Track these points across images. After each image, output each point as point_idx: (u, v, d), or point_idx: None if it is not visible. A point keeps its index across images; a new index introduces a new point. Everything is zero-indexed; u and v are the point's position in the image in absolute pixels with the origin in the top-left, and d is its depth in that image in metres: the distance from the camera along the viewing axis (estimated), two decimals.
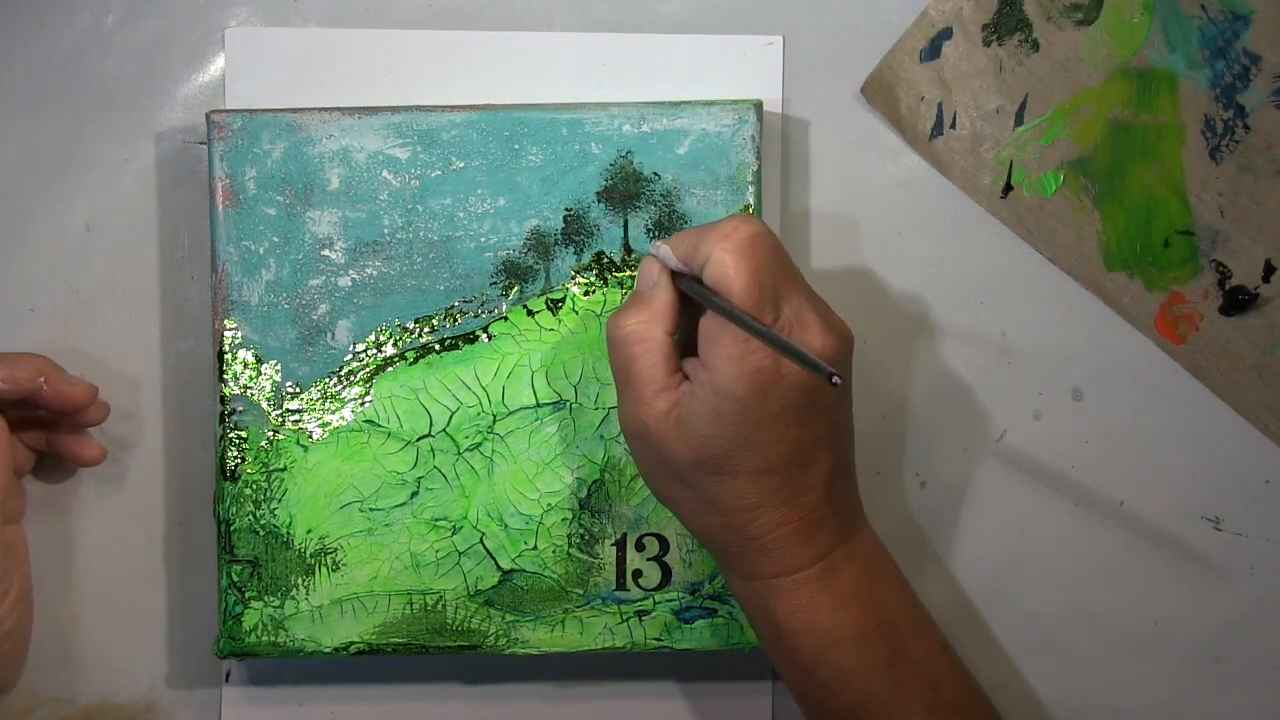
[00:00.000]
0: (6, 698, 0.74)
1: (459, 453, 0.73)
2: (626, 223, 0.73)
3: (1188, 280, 0.75)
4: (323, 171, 0.72)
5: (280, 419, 0.73)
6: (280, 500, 0.73)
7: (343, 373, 0.73)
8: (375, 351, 0.73)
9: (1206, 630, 0.77)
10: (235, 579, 0.73)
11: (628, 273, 0.73)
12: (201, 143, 0.75)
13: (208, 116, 0.72)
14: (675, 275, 0.67)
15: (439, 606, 0.73)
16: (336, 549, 0.73)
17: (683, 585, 0.73)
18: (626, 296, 0.72)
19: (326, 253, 0.73)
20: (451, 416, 0.73)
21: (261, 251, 0.72)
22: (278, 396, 0.73)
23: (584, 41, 0.75)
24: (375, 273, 0.73)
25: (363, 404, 0.73)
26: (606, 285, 0.73)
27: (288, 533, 0.73)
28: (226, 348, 0.72)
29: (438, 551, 0.73)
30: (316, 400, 0.73)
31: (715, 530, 0.67)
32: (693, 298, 0.67)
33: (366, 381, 0.73)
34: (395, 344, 0.73)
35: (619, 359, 0.67)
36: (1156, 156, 0.75)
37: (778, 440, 0.65)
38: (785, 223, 0.75)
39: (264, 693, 0.76)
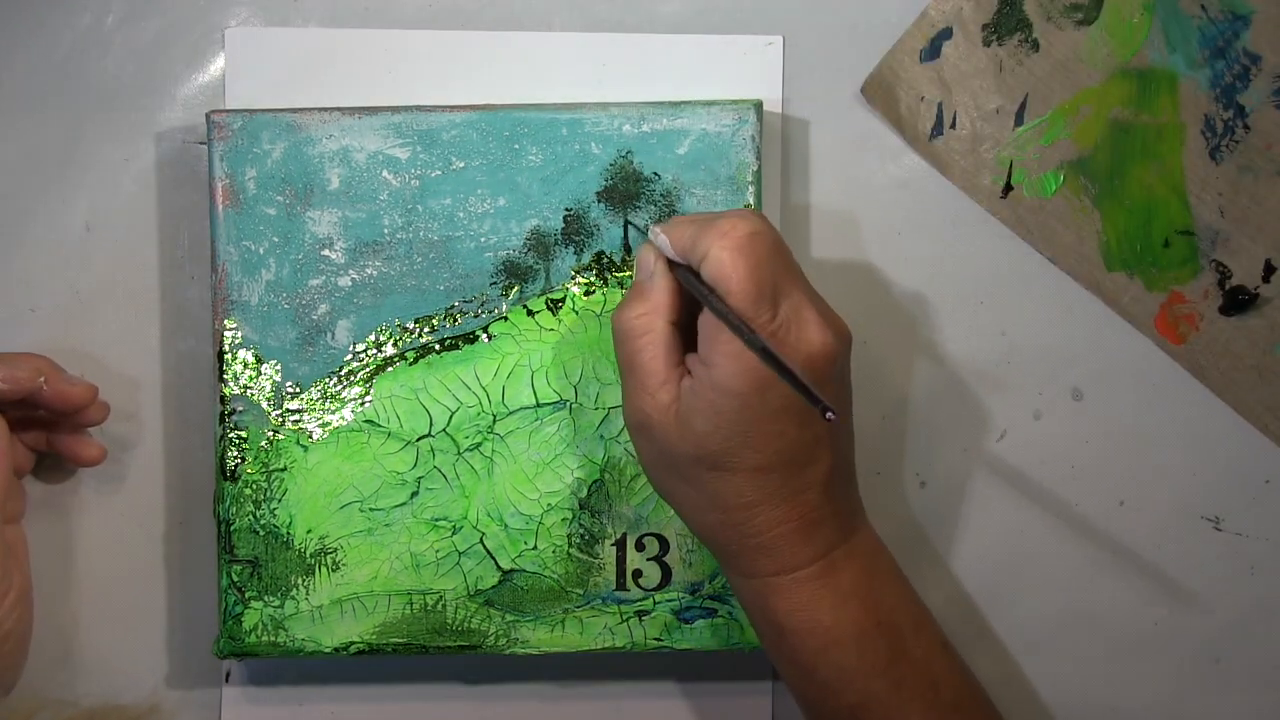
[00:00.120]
0: (9, 699, 0.74)
1: (459, 453, 0.73)
2: (626, 223, 0.73)
3: (1188, 280, 0.75)
4: (323, 171, 0.72)
5: (280, 419, 0.73)
6: (280, 500, 0.73)
7: (343, 373, 0.73)
8: (375, 351, 0.73)
9: (1206, 630, 0.77)
10: (235, 579, 0.73)
11: (627, 273, 0.73)
12: (201, 143, 0.75)
13: (208, 116, 0.72)
14: (673, 265, 0.67)
15: (439, 606, 0.73)
16: (336, 549, 0.73)
17: (683, 585, 0.73)
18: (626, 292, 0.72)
19: (326, 253, 0.73)
20: (451, 416, 0.73)
21: (261, 251, 0.72)
22: (278, 396, 0.73)
23: (584, 41, 0.75)
24: (375, 273, 0.73)
25: (363, 404, 0.73)
26: (606, 285, 0.73)
27: (288, 533, 0.73)
28: (226, 348, 0.72)
29: (438, 551, 0.73)
30: (316, 400, 0.73)
31: (715, 527, 0.67)
32: (689, 290, 0.67)
33: (366, 381, 0.73)
34: (395, 344, 0.73)
35: (623, 352, 0.67)
36: (1156, 156, 0.75)
37: (777, 438, 0.65)
38: (785, 222, 0.75)
39: (264, 693, 0.76)
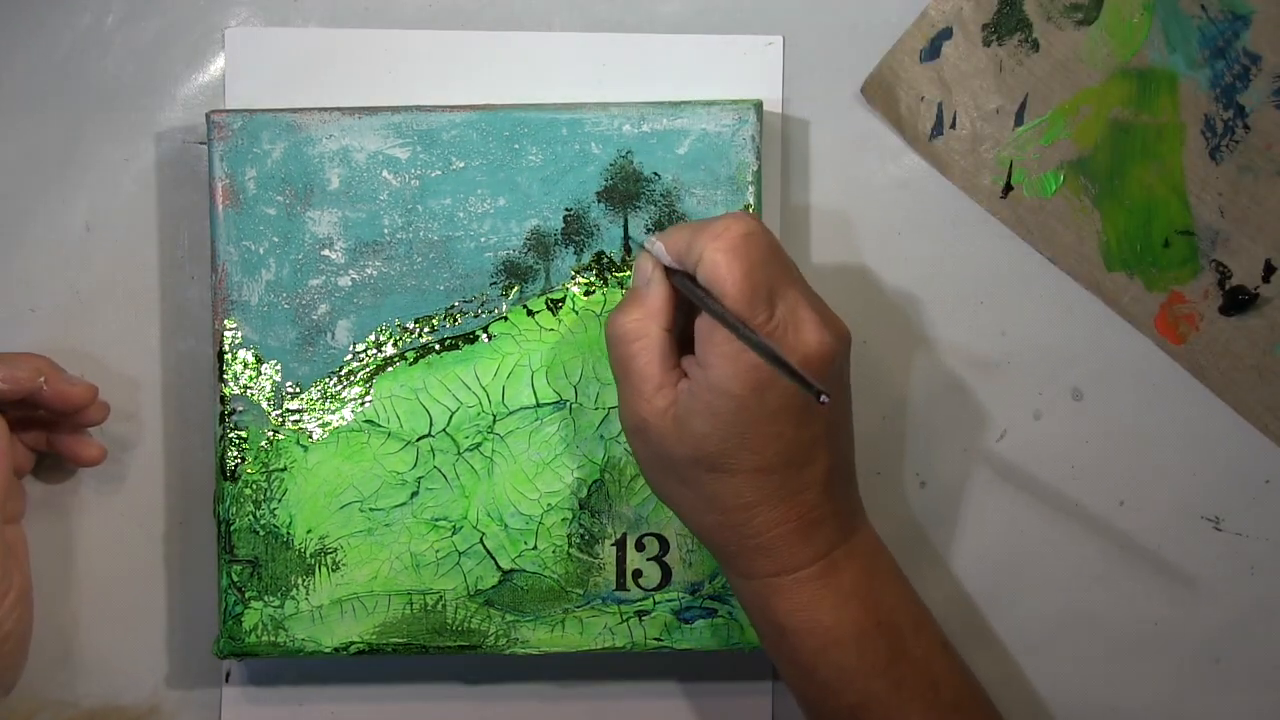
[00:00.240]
0: (9, 700, 0.74)
1: (459, 453, 0.73)
2: (626, 223, 0.73)
3: (1188, 280, 0.75)
4: (323, 171, 0.72)
5: (280, 419, 0.73)
6: (280, 500, 0.73)
7: (343, 373, 0.73)
8: (375, 351, 0.73)
9: (1206, 630, 0.77)
10: (235, 579, 0.73)
11: (627, 273, 0.73)
12: (201, 143, 0.75)
13: (208, 116, 0.72)
14: (669, 272, 0.67)
15: (439, 606, 0.73)
16: (336, 549, 0.73)
17: (683, 585, 0.73)
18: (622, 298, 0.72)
19: (326, 253, 0.73)
20: (451, 416, 0.73)
21: (261, 251, 0.72)
22: (278, 396, 0.73)
23: (584, 41, 0.75)
24: (375, 273, 0.73)
25: (363, 404, 0.73)
26: (606, 285, 0.73)
27: (288, 533, 0.73)
28: (226, 348, 0.72)
29: (438, 551, 0.73)
30: (316, 400, 0.73)
31: (714, 528, 0.67)
32: (686, 295, 0.67)
33: (366, 381, 0.73)
34: (395, 344, 0.73)
35: (618, 356, 0.67)
36: (1156, 156, 0.75)
37: (775, 439, 0.65)
38: (785, 222, 0.75)
39: (264, 693, 0.76)
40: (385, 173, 0.72)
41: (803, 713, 0.70)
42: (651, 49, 0.75)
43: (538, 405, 0.73)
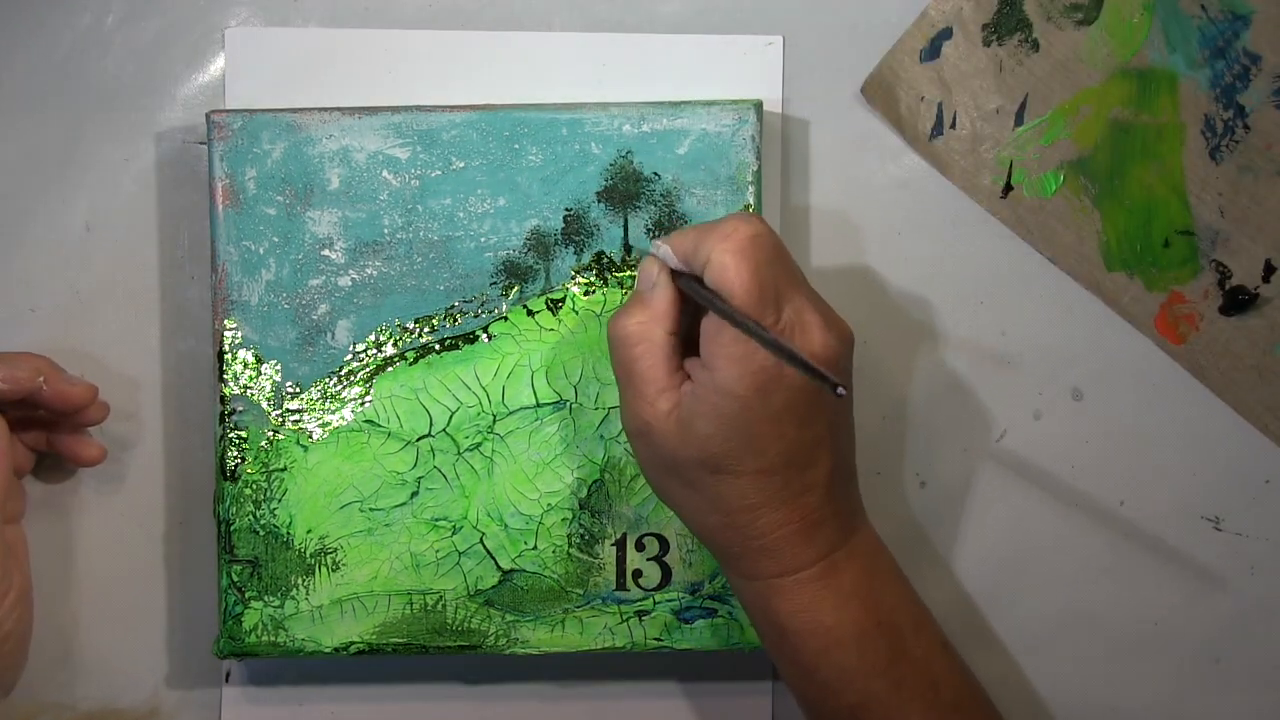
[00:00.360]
0: (8, 701, 0.74)
1: (459, 453, 0.73)
2: (626, 223, 0.73)
3: (1188, 280, 0.75)
4: (323, 171, 0.72)
5: (280, 419, 0.73)
6: (280, 500, 0.73)
7: (343, 373, 0.73)
8: (375, 351, 0.73)
9: (1206, 630, 0.77)
10: (235, 579, 0.73)
11: (628, 272, 0.73)
12: (201, 143, 0.75)
13: (208, 116, 0.72)
14: (675, 275, 0.67)
15: (439, 606, 0.73)
16: (336, 549, 0.73)
17: (683, 585, 0.73)
18: (627, 296, 0.72)
19: (326, 253, 0.73)
20: (451, 416, 0.73)
21: (261, 251, 0.72)
22: (278, 396, 0.73)
23: (584, 41, 0.75)
24: (375, 273, 0.73)
25: (363, 404, 0.73)
26: (606, 285, 0.73)
27: (288, 533, 0.73)
28: (226, 348, 0.72)
29: (438, 551, 0.73)
30: (316, 400, 0.73)
31: (717, 530, 0.67)
32: (693, 297, 0.67)
33: (366, 381, 0.73)
34: (395, 344, 0.73)
35: (620, 359, 0.67)
36: (1156, 156, 0.75)
37: (779, 440, 0.65)
38: (785, 222, 0.75)
39: (264, 693, 0.76)
40: (385, 173, 0.72)
41: (803, 713, 0.70)
42: (651, 49, 0.75)
43: (538, 405, 0.73)
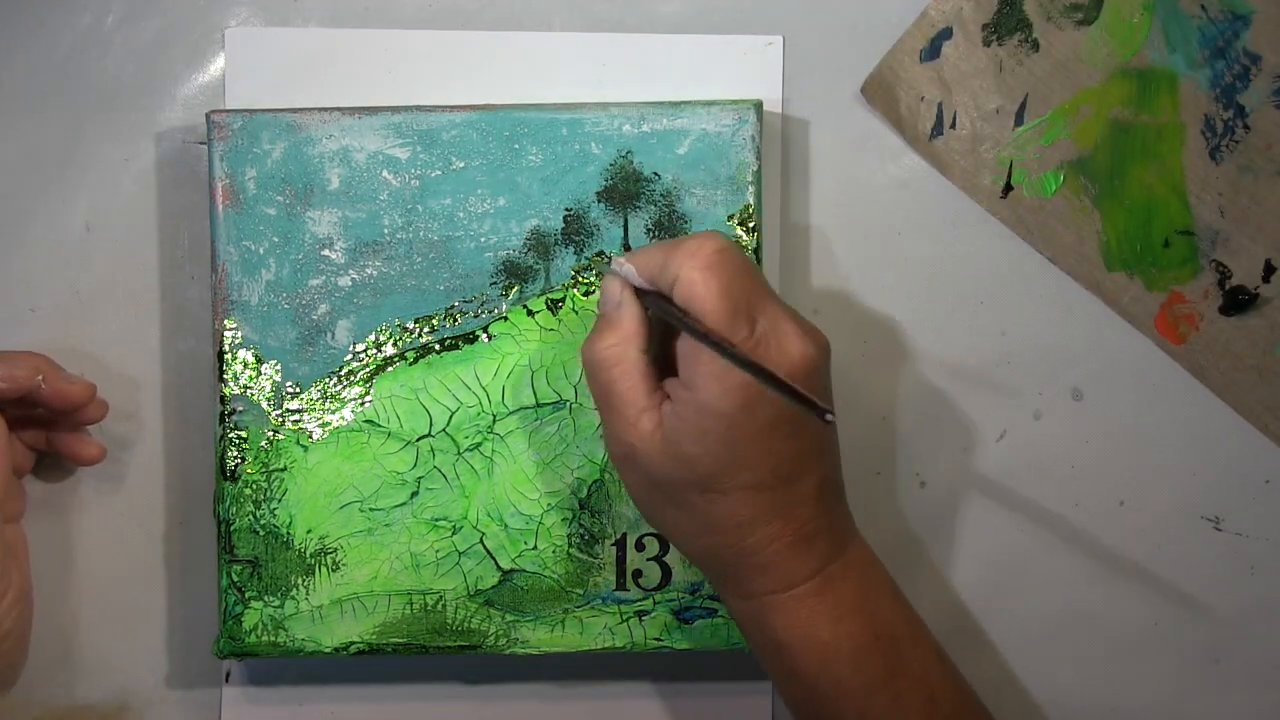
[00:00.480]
0: (7, 698, 0.74)
1: (459, 453, 0.73)
2: (626, 223, 0.73)
3: (1188, 280, 0.75)
4: (323, 171, 0.72)
5: (280, 419, 0.73)
6: (280, 500, 0.73)
7: (343, 373, 0.73)
8: (375, 351, 0.73)
9: (1206, 630, 0.77)
10: (235, 579, 0.73)
11: None
12: (201, 143, 0.75)
13: (208, 116, 0.72)
14: (641, 293, 0.67)
15: (439, 606, 0.73)
16: (336, 549, 0.73)
17: (683, 585, 0.73)
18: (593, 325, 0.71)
19: (326, 253, 0.73)
20: (451, 416, 0.73)
21: (261, 251, 0.72)
22: (278, 396, 0.73)
23: (584, 41, 0.75)
24: (375, 273, 0.73)
25: (363, 404, 0.73)
26: None
27: (288, 533, 0.73)
28: (226, 348, 0.72)
29: (438, 551, 0.73)
30: (316, 400, 0.73)
31: (710, 550, 0.67)
32: (662, 317, 0.66)
33: (366, 381, 0.73)
34: (395, 344, 0.73)
35: (598, 384, 0.67)
36: (1156, 156, 0.75)
37: (767, 454, 0.65)
38: (785, 222, 0.75)
39: (264, 693, 0.76)
40: (385, 173, 0.72)
41: None
42: (651, 49, 0.75)
43: (538, 405, 0.73)
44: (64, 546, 0.75)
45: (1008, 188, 0.75)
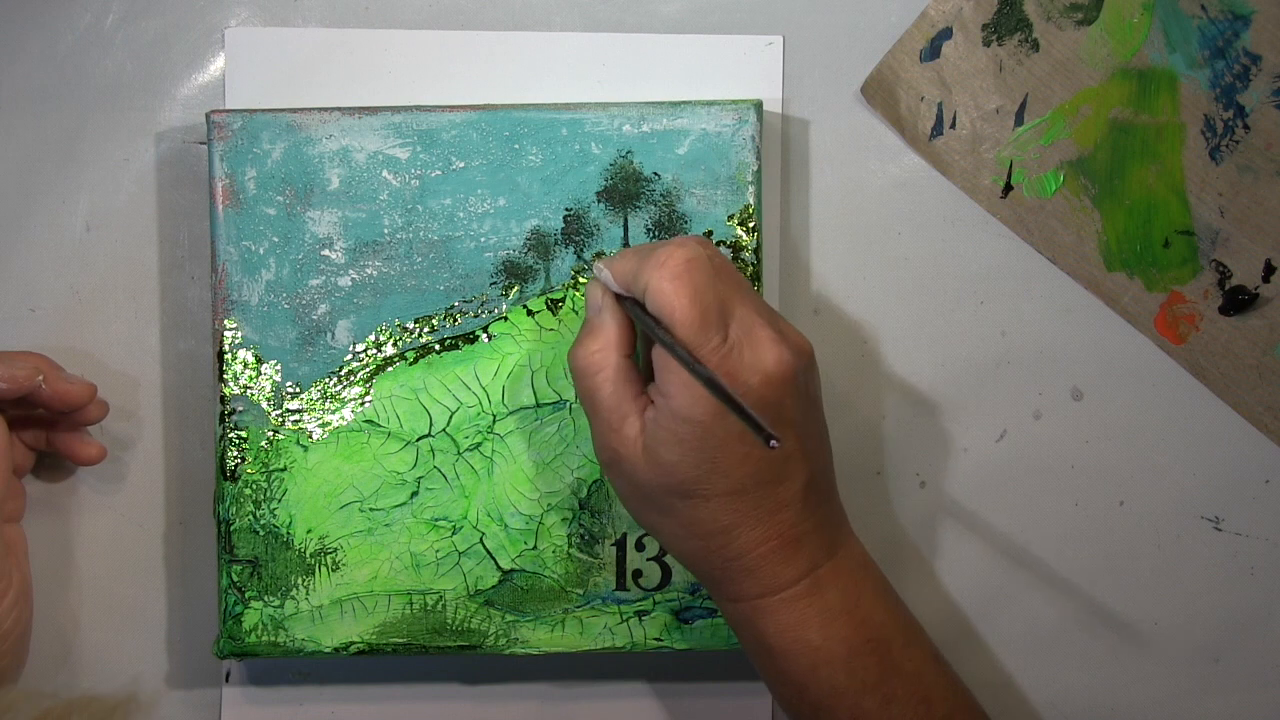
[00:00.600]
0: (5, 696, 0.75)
1: (459, 453, 0.73)
2: (626, 223, 0.73)
3: (1188, 280, 0.75)
4: (323, 171, 0.72)
5: (280, 419, 0.73)
6: (280, 500, 0.73)
7: (343, 373, 0.73)
8: (375, 351, 0.73)
9: (1206, 630, 0.77)
10: (235, 579, 0.73)
11: None
12: (201, 143, 0.75)
13: (208, 116, 0.72)
14: (621, 298, 0.67)
15: (439, 606, 0.73)
16: (336, 549, 0.73)
17: (683, 585, 0.73)
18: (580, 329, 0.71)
19: (326, 253, 0.73)
20: (451, 416, 0.73)
21: (261, 251, 0.72)
22: (278, 396, 0.73)
23: (584, 41, 0.75)
24: (375, 273, 0.73)
25: (363, 404, 0.73)
26: None
27: (288, 533, 0.73)
28: (226, 348, 0.72)
29: (438, 551, 0.73)
30: (316, 400, 0.73)
31: (696, 554, 0.67)
32: (637, 323, 0.66)
33: (366, 381, 0.73)
34: (395, 344, 0.73)
35: (583, 390, 0.67)
36: (1156, 156, 0.75)
37: (744, 460, 0.64)
38: (785, 222, 0.75)
39: (264, 693, 0.76)
40: (385, 173, 0.72)
41: None
42: (651, 49, 0.75)
43: (538, 405, 0.73)
44: (64, 546, 0.75)
45: (1008, 188, 0.75)
